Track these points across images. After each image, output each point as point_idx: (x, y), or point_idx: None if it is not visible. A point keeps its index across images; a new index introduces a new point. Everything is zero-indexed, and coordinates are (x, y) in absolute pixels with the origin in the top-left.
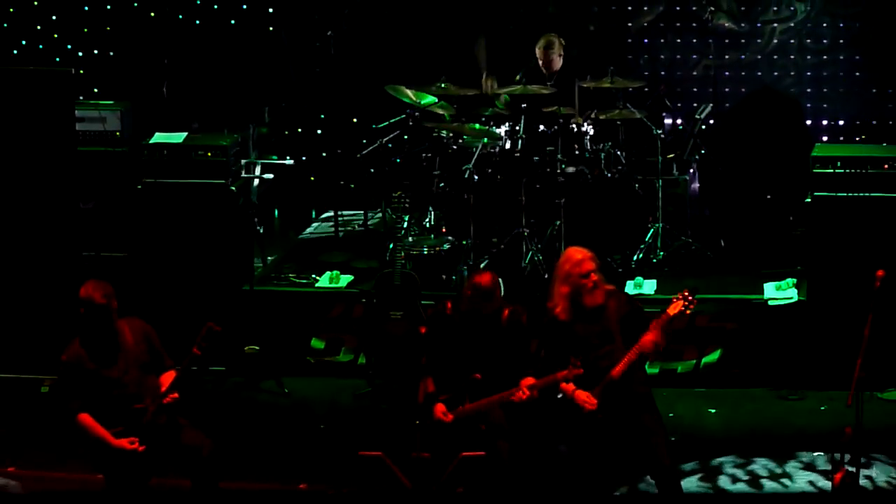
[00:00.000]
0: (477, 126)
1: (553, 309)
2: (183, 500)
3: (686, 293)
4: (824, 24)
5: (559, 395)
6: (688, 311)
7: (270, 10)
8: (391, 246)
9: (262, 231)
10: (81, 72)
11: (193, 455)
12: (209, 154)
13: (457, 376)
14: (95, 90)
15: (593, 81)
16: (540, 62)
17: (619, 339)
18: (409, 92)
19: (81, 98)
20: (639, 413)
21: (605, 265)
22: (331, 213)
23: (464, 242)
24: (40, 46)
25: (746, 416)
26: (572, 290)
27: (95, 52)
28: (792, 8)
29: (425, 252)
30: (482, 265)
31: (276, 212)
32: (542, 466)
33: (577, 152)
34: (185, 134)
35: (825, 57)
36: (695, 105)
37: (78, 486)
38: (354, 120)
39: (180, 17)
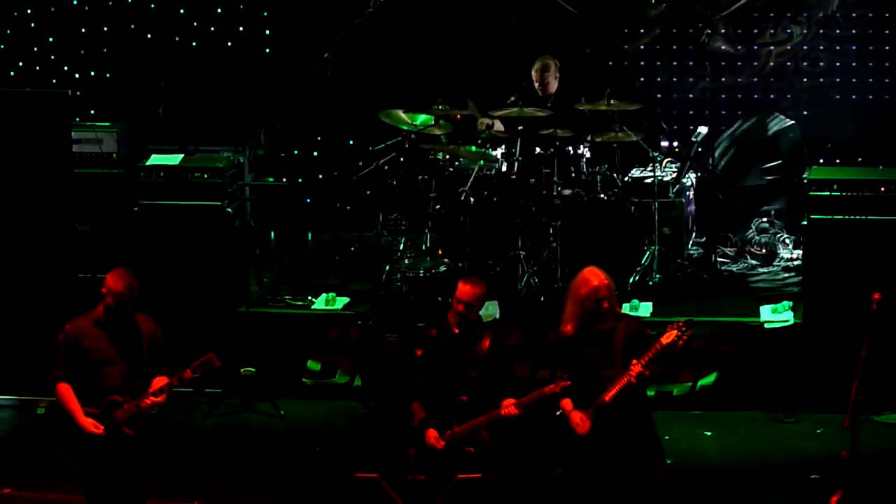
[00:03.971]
0: (473, 148)
1: (562, 328)
2: None
3: (680, 323)
4: (820, 48)
5: (557, 413)
6: (680, 342)
7: (267, 32)
8: (387, 268)
9: (258, 253)
10: (78, 93)
11: (130, 476)
12: (205, 176)
13: (444, 399)
14: (92, 112)
15: (590, 104)
16: (536, 84)
17: (618, 364)
18: (403, 115)
19: (78, 120)
20: (637, 437)
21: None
22: None
23: (460, 265)
24: (37, 68)
25: (742, 439)
26: (583, 313)
27: (92, 73)
28: (788, 31)
29: (421, 274)
30: None
31: (273, 234)
32: (536, 489)
33: (573, 175)
34: (181, 156)
35: (821, 80)
36: (691, 128)
37: None
38: (350, 142)
39: (177, 38)
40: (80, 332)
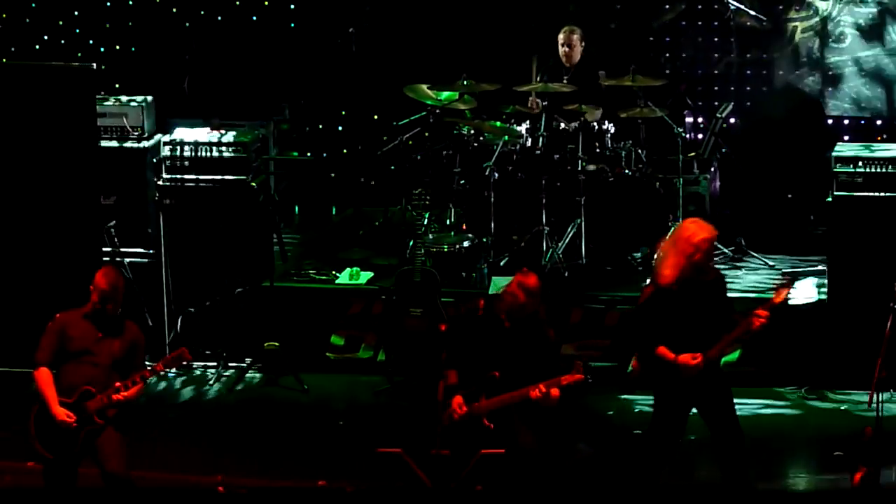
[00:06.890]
0: (498, 124)
1: (660, 280)
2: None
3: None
4: (846, 23)
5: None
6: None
7: (292, 6)
8: (411, 243)
9: (282, 227)
10: (103, 67)
11: (103, 463)
12: (230, 150)
13: (477, 374)
14: (117, 85)
15: (614, 79)
16: (561, 54)
17: (719, 316)
18: (428, 91)
19: (103, 93)
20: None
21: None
22: None
23: (484, 240)
24: (62, 42)
25: (766, 415)
26: (689, 263)
27: (117, 47)
28: (814, 6)
29: (445, 249)
30: (502, 262)
31: (297, 208)
32: (563, 464)
33: (597, 150)
34: (206, 130)
35: (846, 56)
36: (716, 103)
37: None
38: (375, 117)
39: (202, 12)
40: (69, 322)
